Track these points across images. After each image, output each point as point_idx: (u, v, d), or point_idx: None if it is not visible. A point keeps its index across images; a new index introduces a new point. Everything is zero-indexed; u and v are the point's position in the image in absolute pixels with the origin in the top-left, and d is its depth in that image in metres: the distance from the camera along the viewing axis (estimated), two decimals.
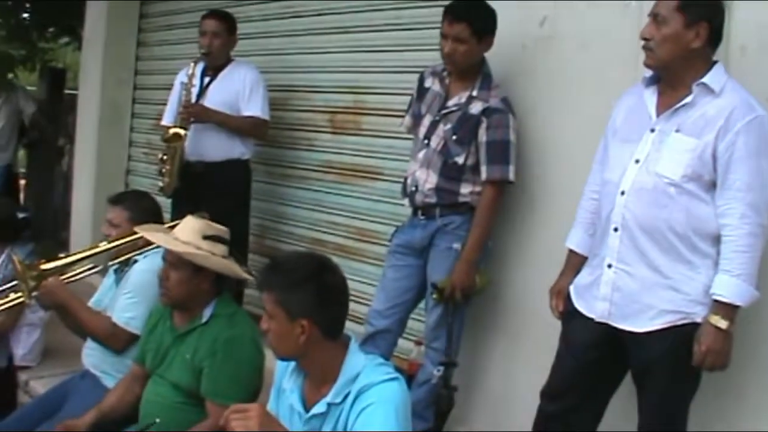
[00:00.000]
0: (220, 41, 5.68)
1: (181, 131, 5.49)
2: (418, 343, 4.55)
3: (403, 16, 5.20)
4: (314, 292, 2.80)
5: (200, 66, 5.73)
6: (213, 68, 5.76)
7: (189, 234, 3.72)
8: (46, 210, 11.36)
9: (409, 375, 4.34)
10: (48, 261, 4.12)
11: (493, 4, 4.22)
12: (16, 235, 5.48)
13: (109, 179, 8.07)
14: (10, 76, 10.97)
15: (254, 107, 5.66)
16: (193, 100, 5.62)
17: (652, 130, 3.22)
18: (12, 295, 4.40)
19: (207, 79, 5.74)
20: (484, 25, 4.18)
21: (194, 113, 5.51)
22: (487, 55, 4.29)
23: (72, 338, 4.46)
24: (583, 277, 3.47)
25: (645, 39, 3.23)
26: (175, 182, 5.58)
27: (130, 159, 8.30)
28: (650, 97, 3.30)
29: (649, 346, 3.19)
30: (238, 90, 5.66)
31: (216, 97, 5.67)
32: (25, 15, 11.82)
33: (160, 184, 5.66)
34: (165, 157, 5.59)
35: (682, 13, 3.14)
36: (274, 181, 6.21)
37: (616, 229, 3.24)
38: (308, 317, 2.78)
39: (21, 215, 5.77)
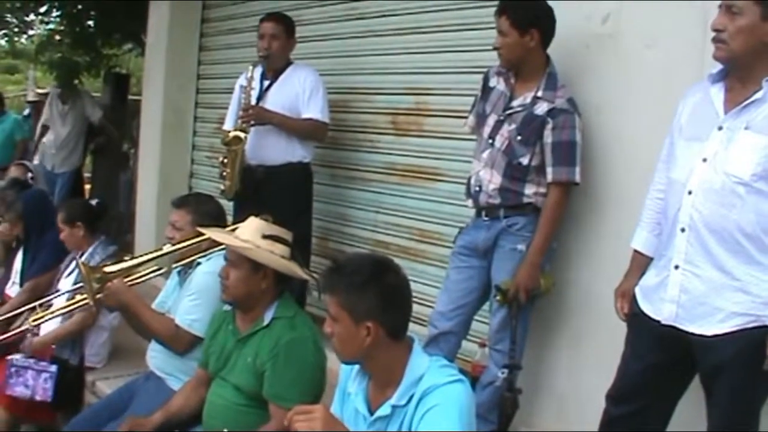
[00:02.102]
0: (278, 43, 5.69)
1: (241, 134, 5.50)
2: (482, 345, 4.52)
3: (466, 16, 5.18)
4: (378, 294, 2.79)
5: (259, 69, 5.75)
6: (272, 71, 5.76)
7: (249, 233, 3.76)
8: (111, 213, 11.52)
9: (473, 377, 4.31)
10: (112, 263, 4.16)
11: (554, 3, 4.19)
12: (100, 221, 5.63)
13: (173, 182, 8.18)
14: (76, 82, 11.13)
15: (314, 110, 5.64)
16: (253, 103, 5.63)
17: (720, 128, 3.15)
18: (78, 297, 4.46)
19: (266, 83, 5.75)
20: (524, 17, 4.14)
21: (253, 115, 5.52)
22: (549, 53, 4.25)
23: (137, 339, 4.51)
24: (649, 278, 3.40)
25: (717, 30, 3.14)
26: (236, 185, 5.60)
27: (193, 162, 8.38)
28: (717, 93, 3.22)
29: (718, 350, 3.11)
30: (297, 93, 5.65)
31: (276, 101, 5.67)
32: (90, 22, 12.01)
33: (222, 187, 5.68)
34: (226, 161, 5.61)
35: (759, 4, 3.05)
36: (337, 183, 6.21)
37: (683, 230, 3.17)
38: (373, 319, 2.77)
39: (94, 201, 5.85)
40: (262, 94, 5.71)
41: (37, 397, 5.03)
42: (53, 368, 5.07)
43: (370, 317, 2.77)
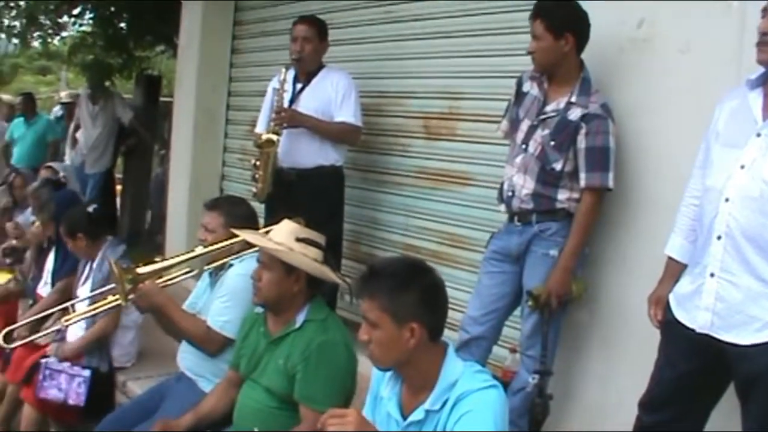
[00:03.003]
0: (310, 46, 5.69)
1: (274, 137, 5.51)
2: (513, 351, 4.51)
3: (500, 20, 5.16)
4: (420, 294, 2.80)
5: (291, 72, 5.76)
6: (305, 74, 5.76)
7: (282, 235, 3.76)
8: (142, 215, 11.58)
9: (504, 383, 4.28)
10: (144, 264, 4.17)
11: (588, 6, 4.17)
12: (101, 225, 5.61)
13: (204, 184, 8.21)
14: (108, 84, 11.20)
15: (346, 113, 5.64)
16: (285, 106, 5.63)
17: (758, 135, 3.11)
18: (110, 298, 4.48)
19: (299, 86, 5.76)
20: (559, 21, 4.12)
21: (286, 118, 5.52)
22: (583, 58, 4.23)
23: (168, 340, 4.53)
24: (684, 285, 3.37)
25: (764, 33, 3.10)
26: (268, 188, 5.60)
27: (225, 165, 8.40)
28: (755, 99, 3.19)
29: (755, 359, 3.07)
30: (330, 96, 5.64)
31: (308, 104, 5.66)
32: (123, 25, 12.10)
33: (254, 189, 5.69)
34: (258, 163, 5.62)
35: None
36: (369, 186, 6.21)
37: (719, 237, 3.13)
38: (417, 320, 2.77)
39: (90, 208, 5.82)
40: (295, 97, 5.71)
41: (70, 401, 5.08)
42: (86, 373, 5.12)
43: (414, 318, 2.77)
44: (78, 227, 5.46)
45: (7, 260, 6.87)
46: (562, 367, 4.40)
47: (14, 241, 7.00)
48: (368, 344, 2.83)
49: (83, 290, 5.38)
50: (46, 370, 5.06)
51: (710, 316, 3.17)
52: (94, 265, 5.37)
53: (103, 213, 5.69)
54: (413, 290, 2.79)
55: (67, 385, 5.09)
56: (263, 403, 3.77)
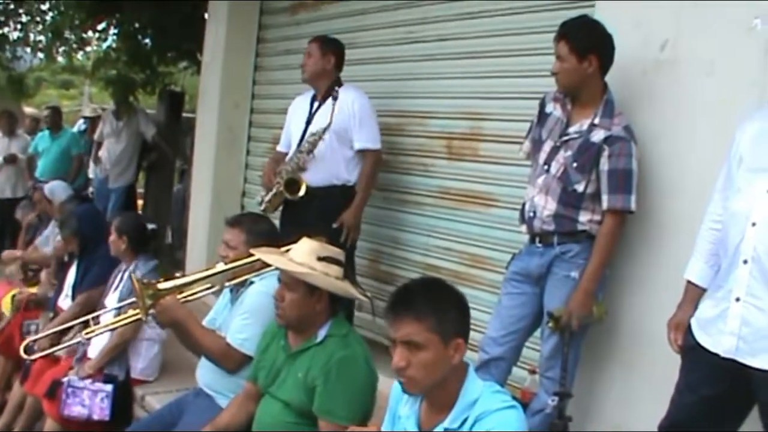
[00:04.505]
0: (312, 61, 5.76)
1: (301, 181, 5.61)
2: (533, 372, 4.48)
3: (523, 42, 5.17)
4: (460, 309, 2.83)
5: (311, 93, 5.82)
6: (321, 94, 5.79)
7: (304, 255, 3.75)
8: (163, 230, 11.62)
9: (523, 404, 4.26)
10: (165, 280, 4.18)
11: (611, 28, 4.16)
12: (146, 246, 5.69)
13: (225, 201, 8.23)
14: (131, 99, 11.27)
15: (366, 138, 5.67)
16: (303, 127, 5.70)
17: None
18: (130, 312, 4.49)
19: (315, 105, 5.79)
20: (584, 42, 4.12)
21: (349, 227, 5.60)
22: (606, 80, 4.22)
23: (188, 355, 4.54)
24: (706, 310, 3.34)
25: None
26: (279, 203, 5.67)
27: (246, 181, 8.42)
28: None
29: None
30: (346, 115, 5.64)
31: (322, 122, 5.67)
32: (146, 40, 12.18)
33: (267, 199, 5.73)
34: (279, 180, 5.65)
35: None
36: (389, 206, 6.21)
37: (745, 261, 3.10)
38: (459, 335, 2.78)
39: (150, 227, 5.95)
40: (311, 117, 5.74)
41: (95, 417, 5.13)
42: (109, 388, 5.15)
43: (457, 334, 2.78)
44: (127, 229, 5.55)
45: (23, 278, 6.94)
46: (582, 389, 4.37)
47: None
48: (404, 370, 2.77)
49: (111, 299, 5.43)
50: (68, 389, 5.10)
51: (735, 340, 3.13)
52: (125, 276, 5.40)
53: (145, 228, 5.77)
54: (454, 306, 2.81)
55: (91, 401, 5.13)
56: (281, 418, 3.76)
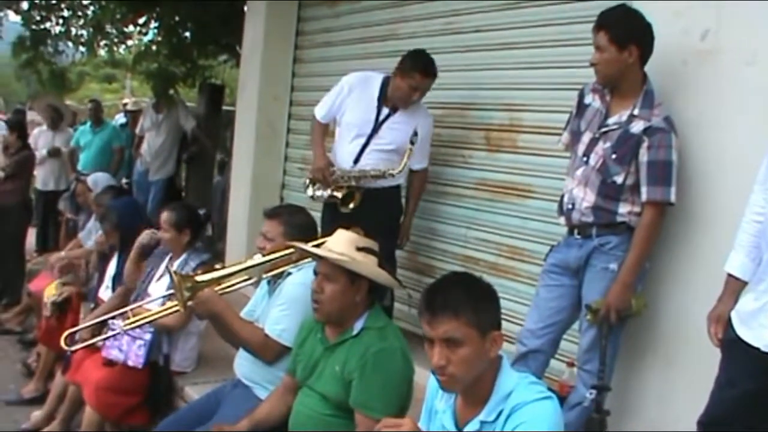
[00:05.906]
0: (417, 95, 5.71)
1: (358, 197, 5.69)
2: (571, 365, 4.47)
3: (562, 32, 5.14)
4: (494, 302, 2.81)
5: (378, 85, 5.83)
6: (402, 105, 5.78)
7: (342, 245, 3.75)
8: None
9: (561, 397, 4.24)
10: (203, 272, 4.19)
11: (651, 18, 4.12)
12: (199, 233, 5.77)
13: (265, 193, 8.28)
14: (171, 92, 11.33)
15: (423, 159, 5.83)
16: (368, 131, 5.71)
17: None
18: (168, 303, 4.51)
19: (385, 111, 5.78)
20: (623, 32, 4.07)
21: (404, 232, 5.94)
22: (646, 70, 4.18)
23: (225, 346, 4.55)
24: (748, 303, 3.30)
25: None
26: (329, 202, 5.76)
27: (285, 173, 8.46)
28: None
29: None
30: (418, 139, 5.60)
31: (387, 134, 5.71)
32: (187, 34, 12.25)
33: (339, 195, 5.75)
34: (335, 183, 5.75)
35: None
36: (428, 197, 6.19)
37: None
38: (495, 328, 2.78)
39: (201, 212, 5.99)
40: (379, 125, 5.75)
41: (129, 362, 5.20)
42: (148, 336, 5.19)
43: (493, 327, 2.77)
44: (186, 222, 5.56)
45: (63, 276, 6.99)
46: (620, 382, 4.35)
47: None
48: (445, 368, 2.73)
49: (156, 287, 5.45)
50: (110, 331, 5.12)
51: None
52: (176, 264, 5.41)
53: (208, 220, 5.85)
54: (488, 299, 2.79)
55: (128, 347, 5.22)
56: (318, 411, 3.76)
